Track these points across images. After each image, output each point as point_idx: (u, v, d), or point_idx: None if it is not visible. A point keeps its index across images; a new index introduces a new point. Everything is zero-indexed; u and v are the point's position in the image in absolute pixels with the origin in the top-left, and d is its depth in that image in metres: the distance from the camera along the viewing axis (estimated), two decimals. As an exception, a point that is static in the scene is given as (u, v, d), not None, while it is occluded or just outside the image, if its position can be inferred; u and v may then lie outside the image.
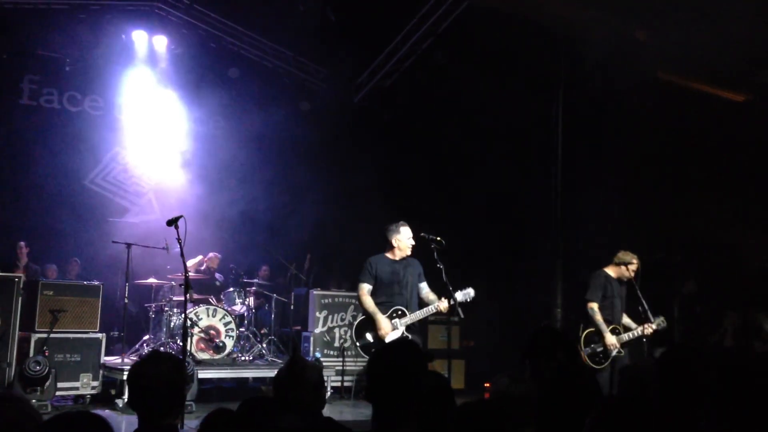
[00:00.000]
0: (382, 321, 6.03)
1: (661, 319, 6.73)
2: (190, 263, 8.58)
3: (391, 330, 6.03)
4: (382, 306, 6.13)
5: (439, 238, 6.21)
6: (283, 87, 11.65)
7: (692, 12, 7.80)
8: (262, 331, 9.57)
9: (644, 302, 6.60)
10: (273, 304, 9.94)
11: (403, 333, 6.07)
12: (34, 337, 7.39)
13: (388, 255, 6.34)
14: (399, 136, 11.06)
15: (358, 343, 6.21)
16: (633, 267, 6.82)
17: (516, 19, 8.82)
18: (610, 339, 6.64)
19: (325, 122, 11.61)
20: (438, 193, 10.64)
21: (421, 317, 6.21)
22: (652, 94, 8.75)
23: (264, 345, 9.18)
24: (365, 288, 6.22)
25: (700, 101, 9.11)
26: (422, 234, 6.37)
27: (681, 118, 8.81)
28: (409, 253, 6.29)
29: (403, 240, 6.26)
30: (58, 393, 7.43)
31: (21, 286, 7.39)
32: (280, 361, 8.95)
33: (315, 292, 9.58)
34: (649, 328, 6.59)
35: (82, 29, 10.50)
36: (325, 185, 11.12)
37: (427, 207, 10.24)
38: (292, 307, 10.28)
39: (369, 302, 6.15)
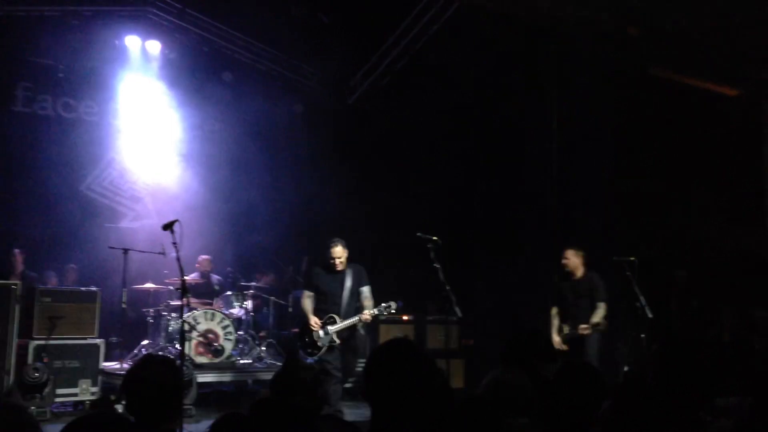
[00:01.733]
0: (311, 318, 6.89)
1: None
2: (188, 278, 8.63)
3: (318, 326, 6.86)
4: (321, 312, 6.95)
5: (435, 238, 6.33)
6: (277, 89, 11.64)
7: (684, 7, 7.83)
8: (261, 334, 9.56)
9: (641, 298, 6.62)
10: (272, 307, 9.94)
11: (332, 338, 6.83)
12: (32, 344, 7.39)
13: (323, 265, 7.07)
14: (394, 136, 11.06)
15: (298, 343, 7.10)
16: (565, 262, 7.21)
17: (508, 18, 8.83)
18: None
19: (320, 124, 11.62)
20: (434, 192, 10.65)
21: (348, 325, 6.90)
22: (645, 89, 8.77)
23: (263, 348, 9.17)
24: (306, 294, 7.13)
25: (693, 96, 9.14)
26: (418, 234, 6.43)
27: (674, 113, 8.84)
28: (338, 268, 6.94)
29: (329, 256, 6.94)
30: (57, 399, 7.43)
31: (18, 293, 7.39)
32: (279, 363, 8.95)
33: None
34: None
35: (75, 35, 10.46)
36: (321, 187, 11.11)
37: (423, 207, 10.25)
38: (290, 309, 10.28)
39: (305, 304, 7.06)
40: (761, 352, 7.43)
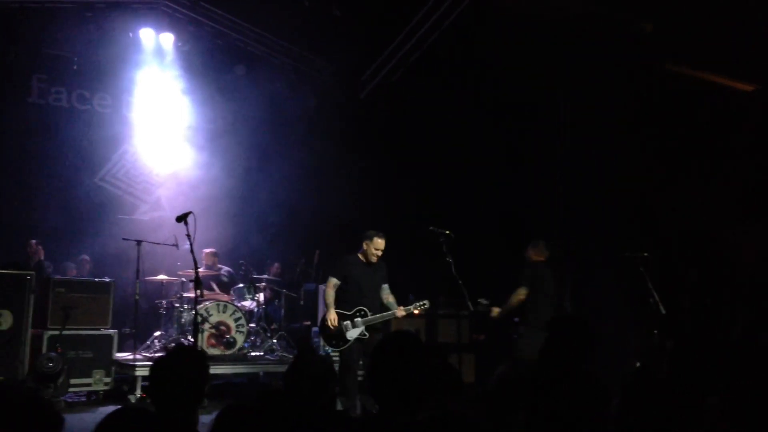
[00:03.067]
0: (332, 314, 6.62)
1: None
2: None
3: (335, 325, 6.59)
4: (347, 304, 6.70)
5: (447, 232, 6.36)
6: (290, 83, 11.66)
7: (698, 1, 7.77)
8: (272, 327, 9.60)
9: (655, 294, 6.59)
10: (283, 300, 9.97)
11: (362, 331, 6.62)
12: (47, 334, 7.46)
13: (360, 256, 6.83)
14: (405, 131, 11.05)
15: (321, 332, 6.88)
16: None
17: (520, 13, 8.79)
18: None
19: (332, 117, 11.62)
20: (445, 188, 10.63)
21: (381, 320, 6.75)
22: (659, 85, 8.71)
23: (274, 340, 9.21)
24: (332, 282, 6.80)
25: (708, 92, 9.07)
26: (431, 228, 6.46)
27: (689, 109, 8.77)
28: (374, 260, 6.77)
29: (371, 249, 6.72)
30: (70, 389, 7.50)
31: (33, 283, 7.46)
32: (290, 356, 8.99)
33: (324, 288, 9.58)
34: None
35: (89, 27, 10.53)
36: (333, 181, 11.14)
37: (433, 202, 10.24)
38: (301, 302, 10.31)
39: (330, 294, 6.74)
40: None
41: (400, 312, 6.71)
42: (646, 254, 6.80)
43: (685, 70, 9.11)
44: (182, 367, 2.71)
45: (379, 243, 6.71)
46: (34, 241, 8.99)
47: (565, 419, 2.59)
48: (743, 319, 8.01)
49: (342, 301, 6.73)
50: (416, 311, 6.90)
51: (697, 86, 9.06)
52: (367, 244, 6.76)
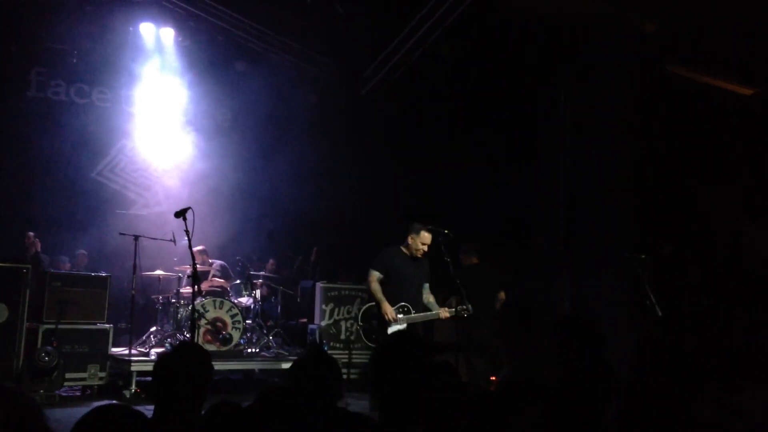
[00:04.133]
0: (389, 308, 6.14)
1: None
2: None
3: (395, 317, 6.15)
4: (388, 298, 6.22)
5: (446, 231, 6.29)
6: (290, 79, 11.64)
7: (700, 4, 7.76)
8: (268, 324, 9.58)
9: (652, 296, 6.57)
10: (279, 297, 9.95)
11: (404, 329, 6.13)
12: (42, 327, 7.43)
13: (404, 249, 6.45)
14: (406, 129, 11.03)
15: (361, 324, 6.35)
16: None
17: (523, 13, 8.77)
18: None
19: (333, 115, 11.60)
20: (445, 186, 10.62)
21: (422, 319, 6.34)
22: (660, 87, 8.70)
23: (271, 337, 9.19)
24: (375, 275, 6.32)
25: (709, 95, 9.06)
26: (429, 227, 6.40)
27: (689, 111, 8.77)
28: (419, 255, 6.39)
29: (418, 243, 6.33)
30: (65, 383, 7.47)
31: (30, 277, 7.43)
32: (286, 353, 8.98)
33: (321, 285, 9.58)
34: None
35: (90, 21, 10.49)
36: (332, 179, 11.12)
37: (434, 199, 10.22)
38: (298, 299, 10.29)
39: (377, 289, 6.26)
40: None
41: (444, 313, 6.30)
42: (643, 256, 6.79)
43: (685, 73, 9.10)
44: (187, 364, 2.67)
45: (426, 237, 6.33)
46: (31, 234, 8.95)
47: (570, 420, 2.58)
48: (743, 321, 8.00)
49: (385, 293, 6.27)
50: (463, 315, 6.30)
51: (697, 88, 9.06)
52: (413, 238, 6.37)
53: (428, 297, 6.50)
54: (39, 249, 9.03)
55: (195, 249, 9.65)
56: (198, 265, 9.41)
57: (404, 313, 6.24)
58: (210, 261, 9.78)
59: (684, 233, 8.49)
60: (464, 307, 6.20)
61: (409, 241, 6.39)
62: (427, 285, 6.51)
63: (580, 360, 3.08)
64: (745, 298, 8.02)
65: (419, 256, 6.38)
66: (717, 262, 8.41)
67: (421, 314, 6.32)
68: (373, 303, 6.33)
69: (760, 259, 8.13)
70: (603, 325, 7.17)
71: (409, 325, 6.22)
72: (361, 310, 6.47)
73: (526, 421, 2.75)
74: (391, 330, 6.13)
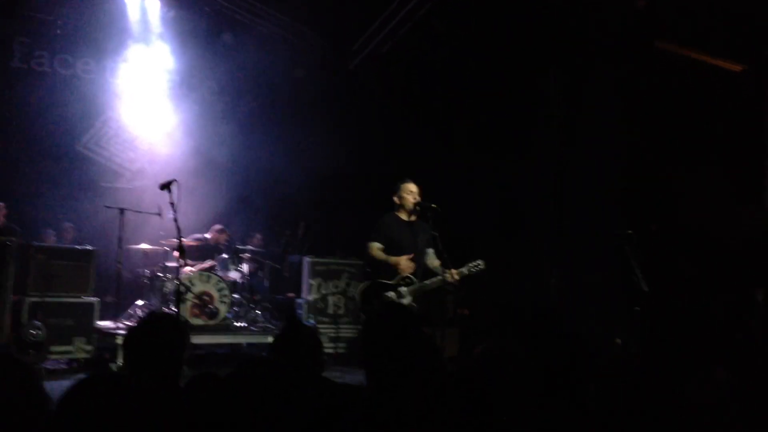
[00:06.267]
0: (401, 261, 5.87)
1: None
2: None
3: (410, 265, 5.89)
4: (388, 272, 5.97)
5: (434, 206, 6.19)
6: (278, 52, 11.50)
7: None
8: (256, 298, 9.58)
9: (638, 271, 6.60)
10: (267, 271, 9.94)
11: (409, 303, 5.82)
12: (27, 300, 7.39)
13: (398, 214, 6.25)
14: (394, 104, 10.96)
15: (362, 307, 6.02)
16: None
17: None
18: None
19: (320, 88, 11.50)
20: (433, 162, 10.58)
21: (428, 288, 5.99)
22: (649, 63, 8.67)
23: (258, 311, 9.19)
24: (375, 245, 6.08)
25: (697, 71, 9.04)
26: (417, 202, 6.35)
27: (678, 88, 8.75)
28: (413, 208, 6.15)
29: (406, 197, 6.15)
30: (51, 356, 7.46)
31: (15, 249, 7.37)
32: (273, 327, 8.99)
33: (309, 259, 9.57)
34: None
35: (74, -9, 10.33)
36: (319, 153, 11.04)
37: (421, 176, 10.17)
38: (286, 274, 10.28)
39: (379, 254, 6.00)
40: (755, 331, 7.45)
41: (453, 275, 5.74)
42: (630, 232, 6.80)
43: (673, 49, 9.07)
44: (158, 334, 2.67)
45: (410, 185, 6.12)
46: (2, 204, 8.72)
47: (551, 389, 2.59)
48: (727, 302, 8.07)
49: (382, 269, 5.98)
50: (473, 272, 5.90)
51: (686, 65, 9.03)
52: (399, 196, 6.16)
53: (432, 262, 6.14)
54: (3, 220, 8.71)
55: (214, 228, 9.58)
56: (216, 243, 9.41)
57: (407, 284, 5.93)
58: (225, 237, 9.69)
59: (671, 211, 8.53)
60: (475, 264, 5.88)
61: (398, 201, 6.23)
62: (431, 250, 6.17)
63: (543, 342, 3.08)
64: (729, 276, 8.08)
65: (413, 208, 6.13)
66: (703, 240, 8.46)
67: (426, 282, 5.98)
68: (369, 282, 6.09)
69: (744, 238, 8.18)
70: (589, 302, 7.23)
71: (414, 294, 5.93)
72: (359, 292, 6.14)
73: (504, 396, 2.76)
74: (393, 294, 5.85)
